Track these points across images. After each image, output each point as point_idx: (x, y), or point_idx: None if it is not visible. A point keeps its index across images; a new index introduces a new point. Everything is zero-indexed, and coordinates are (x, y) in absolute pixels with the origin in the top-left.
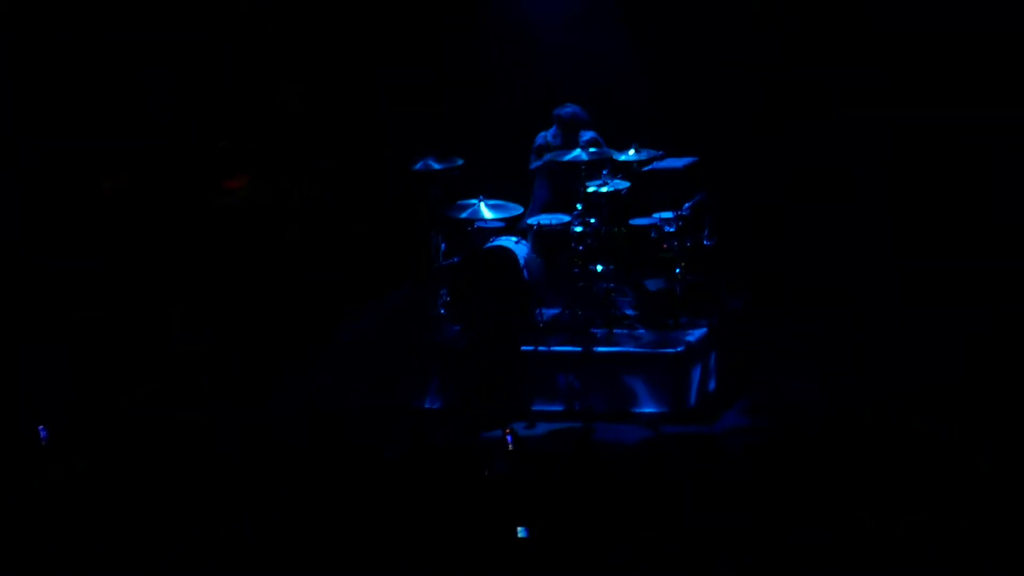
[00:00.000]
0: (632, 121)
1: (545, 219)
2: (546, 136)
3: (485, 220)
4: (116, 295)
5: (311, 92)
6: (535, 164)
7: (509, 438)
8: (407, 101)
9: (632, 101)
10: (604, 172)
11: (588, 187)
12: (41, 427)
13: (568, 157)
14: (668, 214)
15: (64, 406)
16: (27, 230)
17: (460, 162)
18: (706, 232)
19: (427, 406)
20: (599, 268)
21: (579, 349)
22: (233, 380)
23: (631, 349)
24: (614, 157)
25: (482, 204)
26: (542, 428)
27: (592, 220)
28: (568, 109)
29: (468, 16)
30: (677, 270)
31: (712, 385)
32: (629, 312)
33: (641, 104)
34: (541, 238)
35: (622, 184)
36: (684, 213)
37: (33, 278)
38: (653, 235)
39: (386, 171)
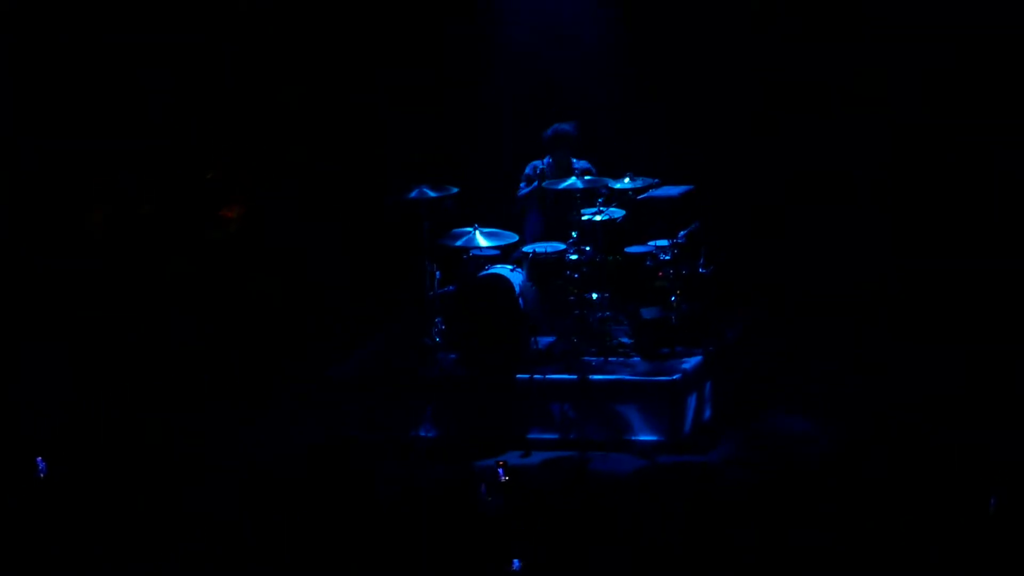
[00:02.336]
0: (627, 148)
1: (540, 247)
2: (538, 165)
3: (480, 248)
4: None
5: (307, 118)
6: (523, 191)
7: (501, 471)
8: (403, 130)
9: (627, 127)
10: (599, 200)
11: (583, 215)
12: (40, 459)
13: (563, 185)
14: (664, 242)
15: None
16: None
17: (455, 191)
18: (702, 260)
19: (422, 435)
20: (594, 296)
21: (574, 377)
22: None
23: (626, 377)
24: (609, 185)
25: (477, 232)
26: (537, 457)
27: (587, 248)
28: (553, 128)
29: (463, 42)
30: (672, 298)
31: (708, 414)
32: (624, 340)
33: (637, 128)
34: (536, 266)
35: (617, 212)
36: (680, 241)
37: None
38: (648, 263)
39: (381, 198)
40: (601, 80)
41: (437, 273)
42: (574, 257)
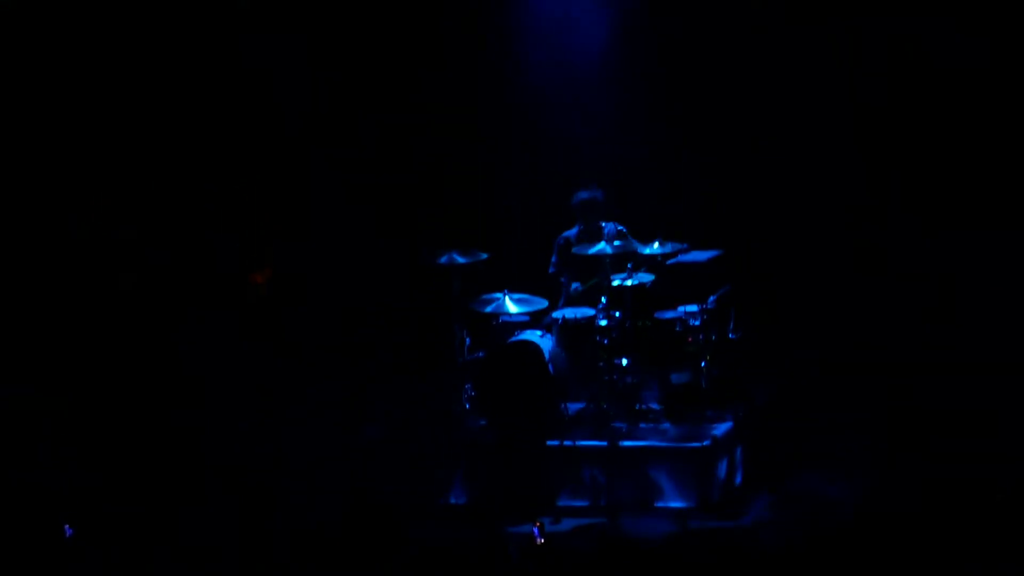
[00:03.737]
0: (656, 213)
1: (570, 313)
2: (567, 236)
3: (510, 314)
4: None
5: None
6: (554, 269)
7: (536, 531)
8: (431, 197)
9: (656, 191)
10: (628, 265)
11: (613, 280)
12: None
13: (592, 250)
14: (693, 307)
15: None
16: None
17: (484, 256)
18: (731, 325)
19: (451, 501)
20: (624, 362)
21: (604, 443)
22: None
23: (657, 443)
24: (638, 250)
25: (507, 298)
26: (567, 523)
27: (617, 313)
28: (581, 195)
29: (491, 108)
30: (703, 363)
31: (739, 479)
32: (654, 406)
33: (666, 193)
34: (566, 332)
35: (647, 277)
36: (709, 306)
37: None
38: (678, 328)
39: (411, 265)
40: (630, 145)
41: (467, 339)
42: (604, 323)
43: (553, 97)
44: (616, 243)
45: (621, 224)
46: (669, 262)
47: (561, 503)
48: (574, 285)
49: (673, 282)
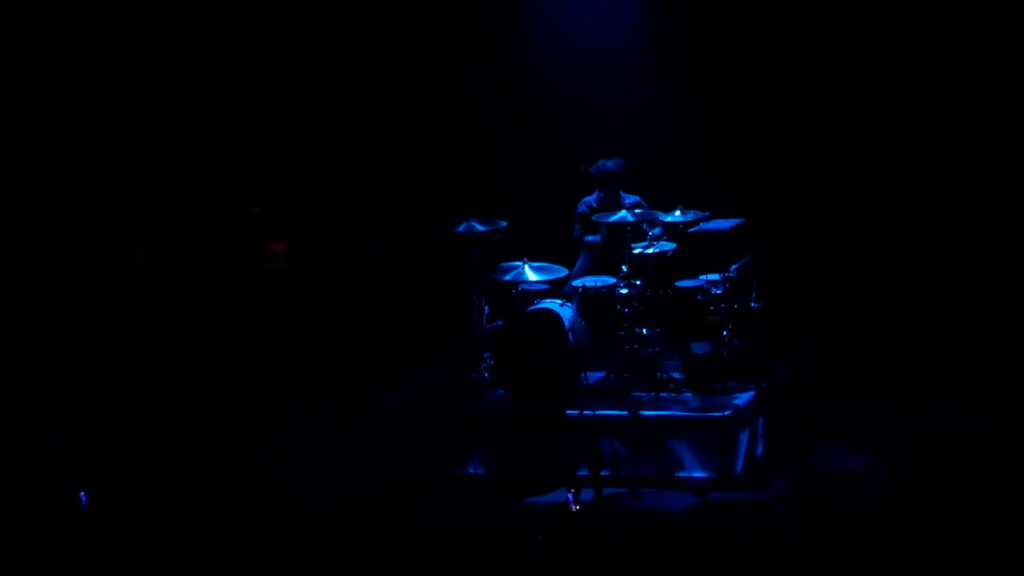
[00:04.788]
0: (677, 181)
1: (590, 281)
2: (589, 202)
3: (529, 282)
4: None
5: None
6: (576, 233)
7: (571, 497)
8: (450, 164)
9: (677, 159)
10: (650, 234)
11: (634, 249)
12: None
13: (613, 219)
14: (715, 276)
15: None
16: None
17: (503, 224)
18: (754, 295)
19: (470, 471)
20: (645, 331)
21: (625, 413)
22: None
23: (678, 413)
24: (659, 218)
25: (526, 266)
26: (587, 494)
27: (638, 282)
28: (606, 164)
29: (509, 74)
30: (724, 333)
31: (760, 450)
32: (675, 376)
33: (688, 161)
34: (586, 301)
35: (668, 246)
36: (731, 275)
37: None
38: (700, 298)
39: (429, 233)
40: (651, 112)
41: (486, 308)
42: (624, 291)
43: (571, 71)
44: (637, 211)
45: (641, 196)
46: (691, 230)
47: (581, 474)
48: (593, 237)
49: (695, 251)
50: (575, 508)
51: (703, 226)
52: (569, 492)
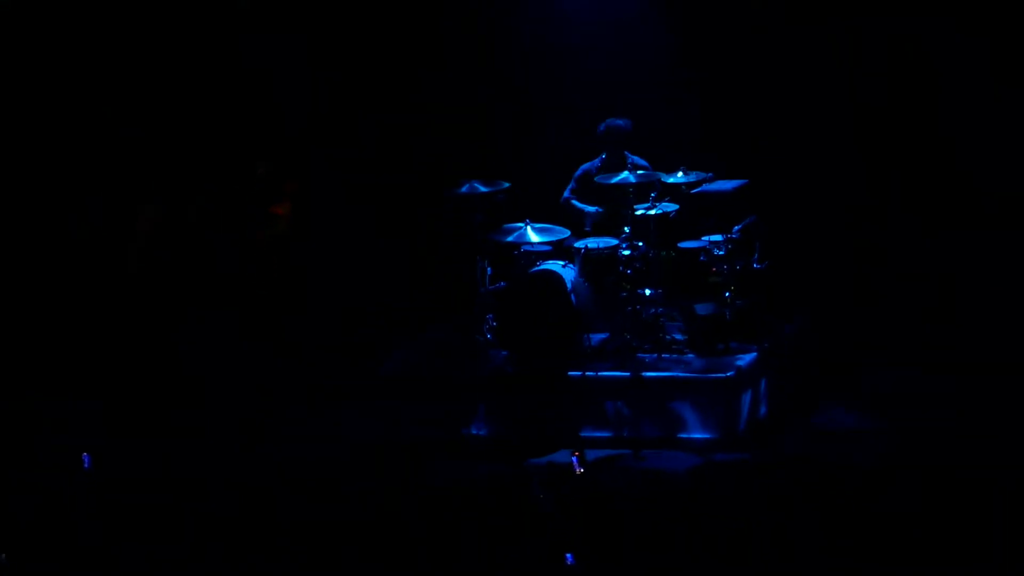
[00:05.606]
0: (680, 142)
1: (593, 242)
2: (589, 168)
3: (532, 244)
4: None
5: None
6: (567, 195)
7: (576, 460)
8: (453, 124)
9: (680, 121)
10: (652, 195)
11: (636, 210)
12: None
13: (615, 179)
14: (718, 237)
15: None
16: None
17: (506, 185)
18: (756, 256)
19: (473, 433)
20: (647, 292)
21: (627, 374)
22: (275, 409)
23: (680, 374)
24: (662, 179)
25: (528, 228)
26: (590, 455)
27: (640, 243)
28: (614, 122)
29: (510, 36)
30: (727, 294)
31: (763, 411)
32: (678, 337)
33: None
34: (589, 262)
35: (670, 207)
36: (734, 236)
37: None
38: (702, 259)
39: (432, 195)
40: (654, 74)
41: (488, 269)
42: (627, 252)
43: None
44: (640, 172)
45: (644, 160)
46: (693, 192)
47: (584, 435)
48: (594, 208)
49: (697, 212)
50: (580, 471)
51: (706, 187)
52: (573, 455)
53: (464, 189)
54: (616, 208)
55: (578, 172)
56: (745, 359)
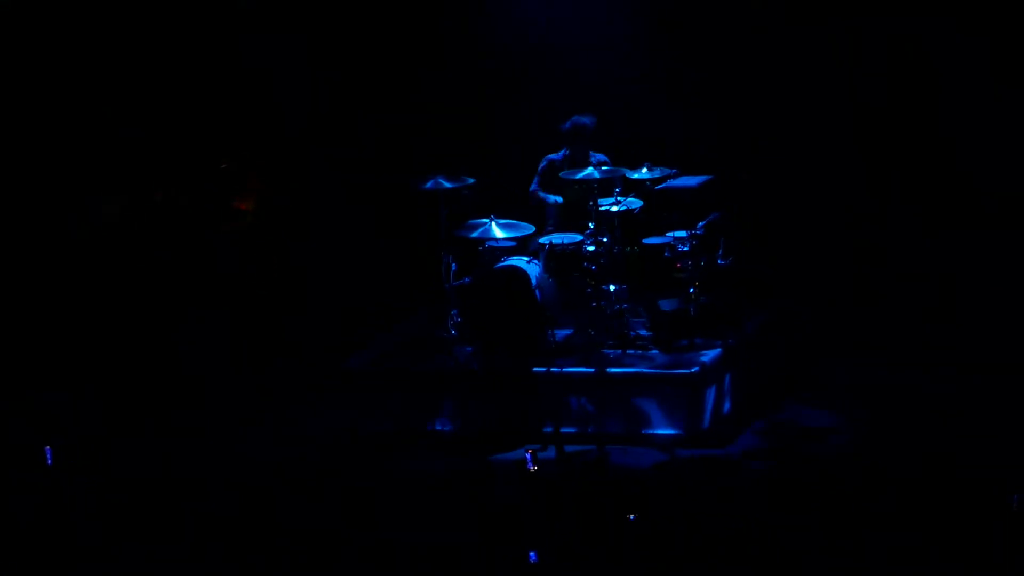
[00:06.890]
0: (645, 138)
1: (557, 238)
2: (553, 160)
3: (496, 239)
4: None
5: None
6: (534, 187)
7: (529, 458)
8: (416, 120)
9: (646, 116)
10: (616, 190)
11: (600, 206)
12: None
13: (580, 175)
14: (682, 233)
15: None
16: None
17: (471, 181)
18: (720, 252)
19: (437, 428)
20: (612, 288)
21: (592, 370)
22: (242, 406)
23: (645, 370)
24: (626, 175)
25: (493, 223)
26: (554, 450)
27: (605, 239)
28: (581, 119)
29: (475, 33)
30: (691, 290)
31: (727, 407)
32: (642, 333)
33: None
34: (553, 258)
35: (635, 203)
36: (698, 232)
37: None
38: (667, 255)
39: (396, 191)
40: (618, 70)
41: (453, 265)
42: (591, 248)
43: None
44: (604, 168)
45: (608, 155)
46: (658, 187)
47: (548, 430)
48: (555, 198)
49: (662, 208)
50: (533, 469)
51: (670, 183)
52: (527, 452)
53: (429, 184)
54: (574, 198)
55: (542, 164)
56: (709, 355)
